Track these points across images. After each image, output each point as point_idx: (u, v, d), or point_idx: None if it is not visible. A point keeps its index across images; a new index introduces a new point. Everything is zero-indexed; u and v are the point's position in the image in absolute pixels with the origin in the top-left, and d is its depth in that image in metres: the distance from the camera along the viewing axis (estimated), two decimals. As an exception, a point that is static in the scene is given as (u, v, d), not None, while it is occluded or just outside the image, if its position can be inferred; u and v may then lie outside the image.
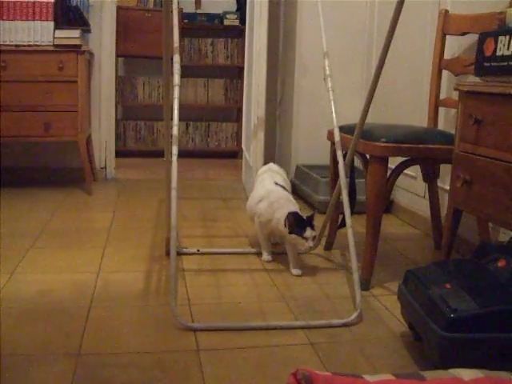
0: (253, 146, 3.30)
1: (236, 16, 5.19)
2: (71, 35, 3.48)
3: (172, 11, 2.27)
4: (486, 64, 1.81)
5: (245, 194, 3.77)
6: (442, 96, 2.64)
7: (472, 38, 2.48)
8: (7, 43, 3.44)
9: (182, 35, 5.02)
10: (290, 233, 2.21)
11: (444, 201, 2.57)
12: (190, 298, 2.05)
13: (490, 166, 1.76)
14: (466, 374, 1.19)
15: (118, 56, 4.54)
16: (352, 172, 2.45)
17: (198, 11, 5.28)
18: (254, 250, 2.58)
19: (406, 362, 1.63)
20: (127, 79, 5.14)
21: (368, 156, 2.21)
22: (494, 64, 1.77)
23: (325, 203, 3.06)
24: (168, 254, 2.38)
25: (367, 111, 2.02)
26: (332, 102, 2.29)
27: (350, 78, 3.82)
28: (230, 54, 5.29)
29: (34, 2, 3.47)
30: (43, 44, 3.48)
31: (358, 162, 2.49)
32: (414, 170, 3.02)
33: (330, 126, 2.38)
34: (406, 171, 2.37)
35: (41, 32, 3.48)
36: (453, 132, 2.06)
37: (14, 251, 2.46)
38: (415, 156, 2.19)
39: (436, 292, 1.54)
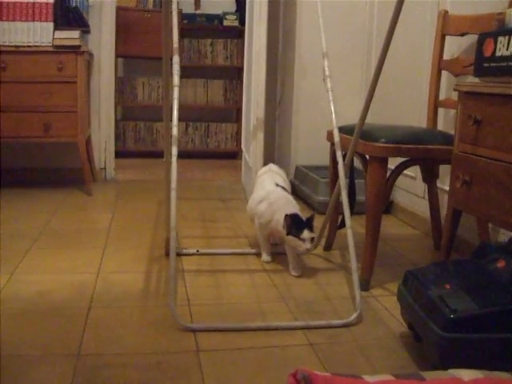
0: (252, 146, 3.30)
1: (235, 16, 5.19)
2: (71, 36, 3.48)
3: (171, 12, 2.27)
4: (485, 64, 1.81)
5: (244, 194, 3.77)
6: (442, 96, 2.64)
7: (471, 38, 2.48)
8: (7, 44, 3.44)
9: (182, 36, 5.02)
10: (288, 234, 2.21)
11: (443, 201, 2.58)
12: (190, 298, 2.05)
13: (490, 166, 1.76)
14: (466, 374, 1.19)
15: (117, 57, 4.54)
16: (351, 172, 2.46)
17: (198, 12, 5.28)
18: (253, 251, 2.58)
19: (406, 362, 1.63)
20: (127, 80, 5.14)
21: (367, 156, 2.21)
22: (494, 64, 1.77)
23: (324, 204, 3.06)
24: (167, 254, 2.38)
25: (367, 112, 2.02)
26: (331, 103, 2.29)
27: (350, 78, 3.83)
28: (229, 54, 5.29)
29: (33, 3, 3.47)
30: (43, 45, 3.48)
31: (357, 163, 2.49)
32: (414, 171, 3.02)
33: (329, 127, 2.38)
34: (405, 172, 2.37)
35: (40, 33, 3.48)
36: (452, 132, 2.06)
37: (14, 252, 2.46)
38: (415, 156, 2.19)
39: (435, 292, 1.54)
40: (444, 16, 2.60)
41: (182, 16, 5.10)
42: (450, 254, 2.03)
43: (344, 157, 2.25)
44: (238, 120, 5.20)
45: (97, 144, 4.07)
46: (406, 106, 3.26)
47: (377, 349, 1.72)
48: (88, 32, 3.74)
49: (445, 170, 2.54)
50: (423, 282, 1.63)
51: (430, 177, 2.59)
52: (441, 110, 2.68)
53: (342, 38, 3.76)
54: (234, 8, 5.33)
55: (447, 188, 2.06)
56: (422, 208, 3.00)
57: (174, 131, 2.14)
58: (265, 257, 2.47)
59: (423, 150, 2.15)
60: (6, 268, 2.26)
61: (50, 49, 3.48)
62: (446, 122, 2.79)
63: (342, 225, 2.28)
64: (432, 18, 2.84)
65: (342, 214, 2.19)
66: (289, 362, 1.61)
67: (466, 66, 2.40)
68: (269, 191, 2.41)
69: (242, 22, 4.80)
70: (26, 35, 3.46)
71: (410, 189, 3.19)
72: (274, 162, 2.76)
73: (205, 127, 5.34)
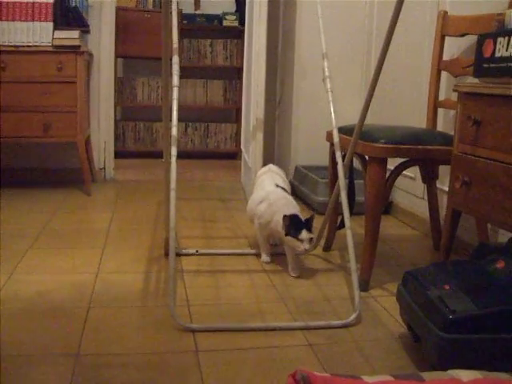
0: (252, 146, 3.30)
1: (235, 17, 5.19)
2: (70, 36, 3.48)
3: (171, 12, 2.27)
4: (484, 65, 1.81)
5: (244, 194, 3.77)
6: (441, 97, 2.64)
7: (471, 39, 2.48)
8: (6, 44, 3.44)
9: (181, 36, 5.02)
10: (286, 234, 2.21)
11: (443, 202, 2.58)
12: (189, 298, 2.05)
13: (489, 167, 1.76)
14: (465, 374, 1.19)
15: (117, 57, 4.54)
16: (351, 173, 2.46)
17: (197, 12, 5.28)
18: (252, 251, 2.58)
19: (405, 362, 1.63)
20: (126, 80, 5.14)
21: (367, 157, 2.21)
22: (493, 65, 1.77)
23: (324, 204, 3.06)
24: (167, 254, 2.38)
25: (366, 112, 2.02)
26: (331, 103, 2.29)
27: (349, 78, 3.83)
28: (229, 54, 5.29)
29: (33, 3, 3.47)
30: (42, 45, 3.48)
31: (357, 163, 2.50)
32: (413, 171, 3.02)
33: (329, 127, 2.38)
34: (404, 172, 2.37)
35: (40, 33, 3.48)
36: (452, 133, 2.06)
37: (13, 252, 2.46)
38: (414, 157, 2.19)
39: (435, 293, 1.54)
40: (444, 16, 2.60)
41: (182, 16, 5.10)
42: (450, 255, 2.03)
43: (343, 157, 2.25)
44: (238, 120, 5.20)
45: (96, 144, 4.07)
46: (405, 107, 3.26)
47: (376, 349, 1.72)
48: (88, 32, 3.74)
49: (444, 171, 2.55)
50: (422, 282, 1.63)
51: (429, 177, 2.59)
52: (440, 111, 2.69)
53: (341, 38, 3.76)
54: (233, 8, 5.33)
55: (447, 189, 2.06)
56: (422, 208, 3.00)
57: (174, 131, 2.14)
58: (264, 257, 2.47)
59: (423, 150, 2.15)
60: (6, 268, 2.26)
61: (50, 49, 3.48)
62: (445, 122, 2.80)
63: (342, 225, 2.28)
64: (432, 18, 2.84)
65: (342, 214, 2.19)
66: (288, 363, 1.61)
67: (466, 66, 2.40)
68: (268, 192, 2.41)
69: (242, 22, 4.80)
70: (25, 35, 3.46)
71: (410, 189, 3.19)
72: (273, 163, 2.76)
73: (204, 127, 5.34)
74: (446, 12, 2.61)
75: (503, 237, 2.32)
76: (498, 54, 1.75)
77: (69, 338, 1.71)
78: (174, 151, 2.10)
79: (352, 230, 2.13)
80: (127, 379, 1.50)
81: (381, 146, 2.11)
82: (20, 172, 3.92)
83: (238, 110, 5.16)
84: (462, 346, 1.45)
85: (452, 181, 1.95)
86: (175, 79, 2.21)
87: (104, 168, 4.13)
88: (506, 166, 1.68)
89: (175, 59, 2.23)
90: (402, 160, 2.23)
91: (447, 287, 1.56)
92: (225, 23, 5.21)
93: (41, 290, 2.07)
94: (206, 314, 1.92)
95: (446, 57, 2.63)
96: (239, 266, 2.41)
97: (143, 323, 1.84)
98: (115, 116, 4.50)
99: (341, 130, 2.36)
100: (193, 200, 3.61)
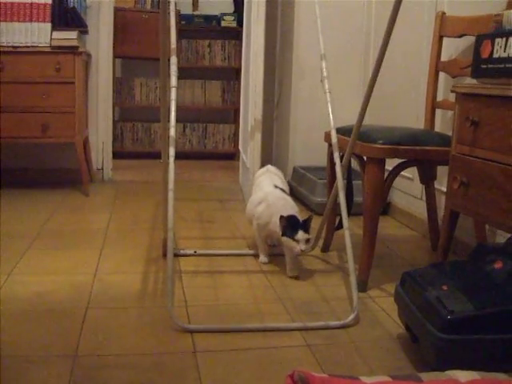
0: (250, 147, 3.30)
1: (233, 17, 5.20)
2: (68, 36, 3.48)
3: (169, 13, 2.27)
4: (482, 66, 1.82)
5: (242, 195, 3.77)
6: (439, 98, 2.64)
7: (469, 40, 2.49)
8: (4, 44, 3.44)
9: (179, 37, 5.01)
10: (283, 235, 2.21)
11: (441, 202, 2.58)
12: (187, 299, 2.05)
13: (487, 167, 1.76)
14: (463, 375, 1.19)
15: (115, 57, 4.53)
16: (349, 174, 2.46)
17: (195, 13, 5.28)
18: (251, 252, 2.58)
19: (403, 363, 1.63)
20: (124, 80, 5.14)
21: (365, 158, 2.21)
22: (491, 66, 1.77)
23: (321, 205, 3.06)
24: (165, 255, 2.38)
25: (364, 113, 2.02)
26: (329, 104, 2.29)
27: (348, 79, 3.83)
28: (227, 55, 5.29)
29: (31, 4, 3.46)
30: (40, 45, 3.48)
31: (355, 164, 2.50)
32: (411, 172, 3.03)
33: (327, 128, 2.38)
34: (403, 173, 2.37)
35: (38, 33, 3.48)
36: (450, 134, 2.06)
37: (12, 252, 2.45)
38: (412, 158, 2.19)
39: (433, 293, 1.54)
40: (442, 17, 2.60)
41: (180, 17, 5.10)
42: (448, 256, 2.03)
43: (341, 158, 2.25)
44: (236, 121, 5.20)
45: (94, 145, 4.07)
46: (403, 108, 3.27)
47: (374, 350, 1.72)
48: (86, 32, 3.74)
49: (442, 172, 2.55)
50: (420, 283, 1.63)
51: (427, 178, 2.59)
52: (438, 112, 2.69)
53: (339, 38, 3.76)
54: (231, 9, 5.33)
55: (445, 189, 2.06)
56: (420, 209, 3.00)
57: (172, 132, 2.14)
58: (262, 258, 2.47)
59: (421, 151, 2.16)
60: (4, 268, 2.25)
61: (48, 49, 3.48)
62: (443, 123, 2.80)
63: (340, 226, 2.28)
64: (430, 19, 2.84)
65: (340, 215, 2.19)
66: (286, 363, 1.61)
67: (464, 67, 2.40)
68: (267, 193, 2.41)
69: (240, 22, 4.81)
70: (23, 36, 3.46)
71: (408, 190, 3.19)
72: (271, 163, 2.76)
73: (202, 128, 5.34)
74: (444, 13, 2.61)
75: (501, 237, 2.33)
76: (495, 55, 1.75)
77: (67, 338, 1.70)
78: (172, 152, 2.10)
79: (350, 230, 2.13)
80: (125, 380, 1.50)
81: (379, 146, 2.11)
82: (18, 172, 3.92)
83: (236, 111, 5.15)
84: (460, 346, 1.45)
85: (450, 181, 1.95)
86: (173, 80, 2.20)
87: (102, 168, 4.13)
88: (503, 166, 1.69)
89: (173, 60, 2.23)
90: (400, 161, 2.24)
91: (445, 288, 1.56)
92: (223, 24, 5.21)
93: (39, 290, 2.07)
94: (204, 315, 1.92)
95: (444, 57, 2.63)
96: (237, 267, 2.41)
97: (141, 324, 1.84)
98: (113, 116, 4.49)
99: (339, 130, 2.36)
100: (191, 201, 3.61)
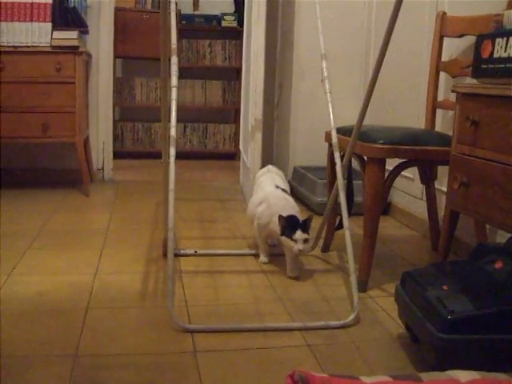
0: (250, 147, 3.30)
1: (234, 17, 5.20)
2: (69, 36, 3.48)
3: (170, 12, 2.27)
4: (483, 66, 1.82)
5: (242, 195, 3.77)
6: (440, 98, 2.64)
7: (469, 40, 2.48)
8: (5, 44, 3.44)
9: (180, 36, 5.01)
10: (281, 234, 2.22)
11: (441, 202, 2.58)
12: (187, 299, 2.05)
13: (487, 167, 1.76)
14: (463, 375, 1.19)
15: (115, 57, 4.53)
16: (349, 174, 2.46)
17: (196, 12, 5.28)
18: (251, 252, 2.58)
19: (403, 363, 1.63)
20: (125, 80, 5.14)
21: (365, 158, 2.21)
22: (492, 66, 1.77)
23: (322, 205, 3.06)
24: (165, 255, 2.38)
25: (365, 113, 2.02)
26: (329, 104, 2.29)
27: (348, 79, 3.83)
28: (227, 55, 5.29)
29: (31, 4, 3.47)
30: (41, 45, 3.48)
31: (355, 164, 2.50)
32: (412, 172, 3.03)
33: (327, 128, 2.38)
34: (403, 173, 2.37)
35: (38, 33, 3.48)
36: (450, 134, 2.06)
37: (12, 252, 2.45)
38: (413, 158, 2.19)
39: (433, 293, 1.54)
40: (442, 17, 2.60)
41: (181, 17, 5.10)
42: (448, 255, 2.03)
43: (342, 158, 2.25)
44: (236, 121, 5.20)
45: (95, 145, 4.07)
46: (404, 107, 3.27)
47: (374, 350, 1.72)
48: (86, 32, 3.74)
49: (443, 172, 2.55)
50: (421, 283, 1.63)
51: (427, 178, 2.59)
52: (439, 111, 2.69)
53: (340, 38, 3.76)
54: (232, 9, 5.33)
55: (445, 189, 2.06)
56: (420, 209, 3.00)
57: (172, 132, 2.14)
58: (263, 258, 2.47)
59: (421, 151, 2.15)
60: (4, 268, 2.26)
61: (48, 49, 3.48)
62: (444, 123, 2.80)
63: (340, 226, 2.28)
64: (430, 19, 2.84)
65: (340, 215, 2.19)
66: (286, 363, 1.61)
67: (464, 67, 2.40)
68: (268, 193, 2.41)
69: (241, 22, 4.81)
70: (24, 35, 3.46)
71: (408, 190, 3.19)
72: (271, 163, 2.76)
73: (203, 128, 5.34)
74: (444, 13, 2.61)
75: (501, 237, 2.32)
76: (496, 55, 1.75)
77: (67, 338, 1.70)
78: (172, 152, 2.10)
79: (350, 230, 2.13)
80: (125, 380, 1.50)
81: (379, 146, 2.11)
82: (18, 172, 3.92)
83: (237, 111, 5.16)
84: (461, 346, 1.45)
85: (450, 181, 1.95)
86: (174, 80, 2.20)
87: (102, 168, 4.13)
88: (504, 166, 1.69)
89: (174, 60, 2.23)
90: (401, 161, 2.23)
91: (445, 288, 1.56)
92: (223, 24, 5.21)
93: (39, 290, 2.07)
94: (205, 315, 1.92)
95: (444, 57, 2.63)
96: (238, 267, 2.41)
97: (141, 324, 1.84)
98: (114, 116, 4.49)
99: (339, 130, 2.36)
100: (191, 200, 3.61)
